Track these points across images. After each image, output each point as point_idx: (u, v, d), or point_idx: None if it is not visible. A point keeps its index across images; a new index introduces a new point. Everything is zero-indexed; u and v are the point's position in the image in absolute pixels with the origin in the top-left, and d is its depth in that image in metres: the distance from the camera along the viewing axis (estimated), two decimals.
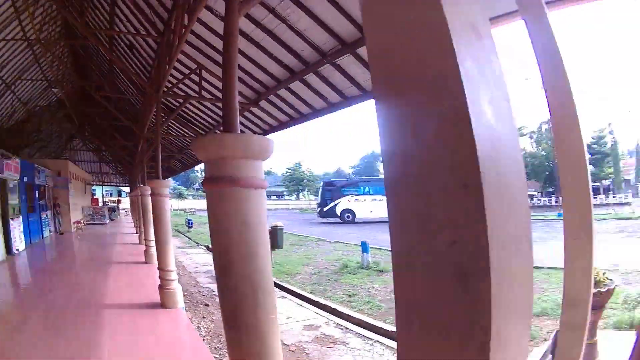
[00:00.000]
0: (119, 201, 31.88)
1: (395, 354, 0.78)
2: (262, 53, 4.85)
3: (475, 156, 0.63)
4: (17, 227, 9.67)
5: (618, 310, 5.53)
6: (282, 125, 6.40)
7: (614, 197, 34.81)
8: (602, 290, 2.84)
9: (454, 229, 0.65)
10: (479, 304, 0.62)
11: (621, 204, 32.13)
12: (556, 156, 2.17)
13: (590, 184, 2.14)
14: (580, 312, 2.27)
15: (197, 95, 6.33)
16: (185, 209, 42.81)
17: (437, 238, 0.66)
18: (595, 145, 36.73)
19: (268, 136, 2.93)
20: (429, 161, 0.71)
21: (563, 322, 2.36)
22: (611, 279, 3.05)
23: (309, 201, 44.33)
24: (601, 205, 32.04)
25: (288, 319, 5.90)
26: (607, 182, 38.15)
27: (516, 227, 0.73)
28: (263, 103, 6.02)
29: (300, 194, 50.83)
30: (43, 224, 12.94)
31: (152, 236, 6.54)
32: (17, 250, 9.50)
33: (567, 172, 2.18)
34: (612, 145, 37.47)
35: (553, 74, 1.92)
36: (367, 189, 29.55)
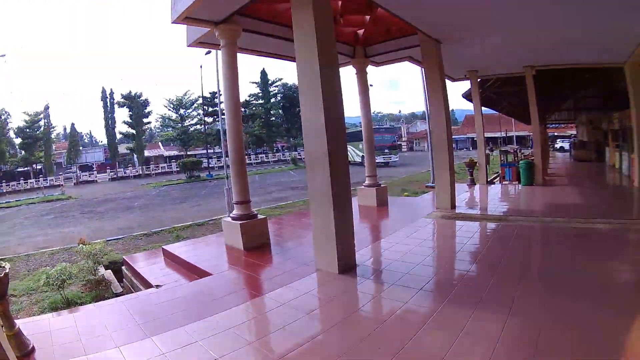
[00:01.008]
0: None
1: None
2: None
3: None
4: None
5: (48, 292, 5.22)
6: None
7: (45, 180, 34.13)
8: None
9: None
10: None
11: (53, 186, 32.02)
12: None
13: None
14: None
15: None
16: None
17: None
18: (28, 130, 36.24)
19: None
20: None
21: None
22: (2, 267, 2.57)
23: None
24: (32, 190, 31.67)
25: None
26: (39, 167, 37.95)
27: None
28: None
29: None
30: None
31: None
32: None
33: None
34: (45, 129, 37.39)
35: None
36: None
